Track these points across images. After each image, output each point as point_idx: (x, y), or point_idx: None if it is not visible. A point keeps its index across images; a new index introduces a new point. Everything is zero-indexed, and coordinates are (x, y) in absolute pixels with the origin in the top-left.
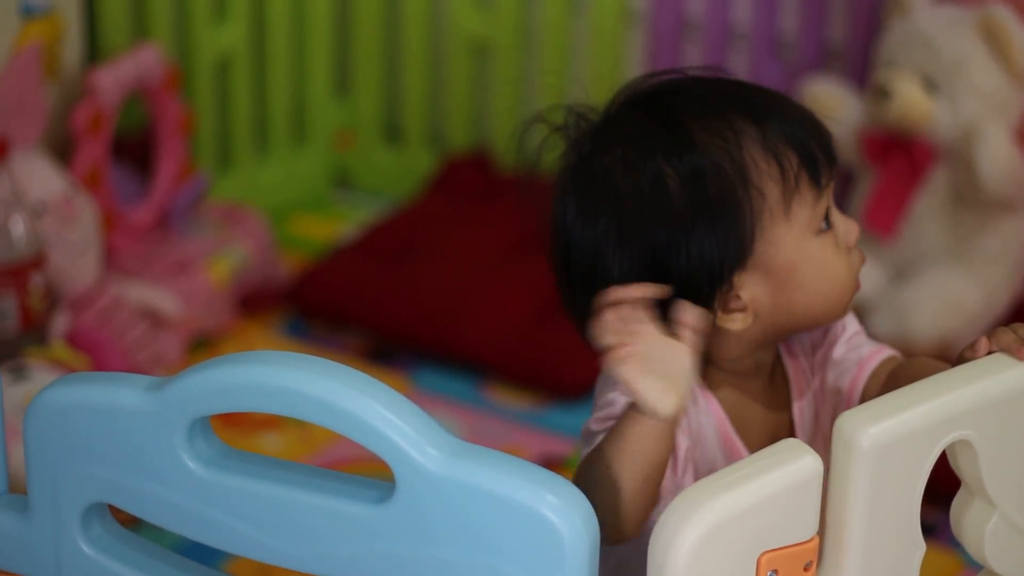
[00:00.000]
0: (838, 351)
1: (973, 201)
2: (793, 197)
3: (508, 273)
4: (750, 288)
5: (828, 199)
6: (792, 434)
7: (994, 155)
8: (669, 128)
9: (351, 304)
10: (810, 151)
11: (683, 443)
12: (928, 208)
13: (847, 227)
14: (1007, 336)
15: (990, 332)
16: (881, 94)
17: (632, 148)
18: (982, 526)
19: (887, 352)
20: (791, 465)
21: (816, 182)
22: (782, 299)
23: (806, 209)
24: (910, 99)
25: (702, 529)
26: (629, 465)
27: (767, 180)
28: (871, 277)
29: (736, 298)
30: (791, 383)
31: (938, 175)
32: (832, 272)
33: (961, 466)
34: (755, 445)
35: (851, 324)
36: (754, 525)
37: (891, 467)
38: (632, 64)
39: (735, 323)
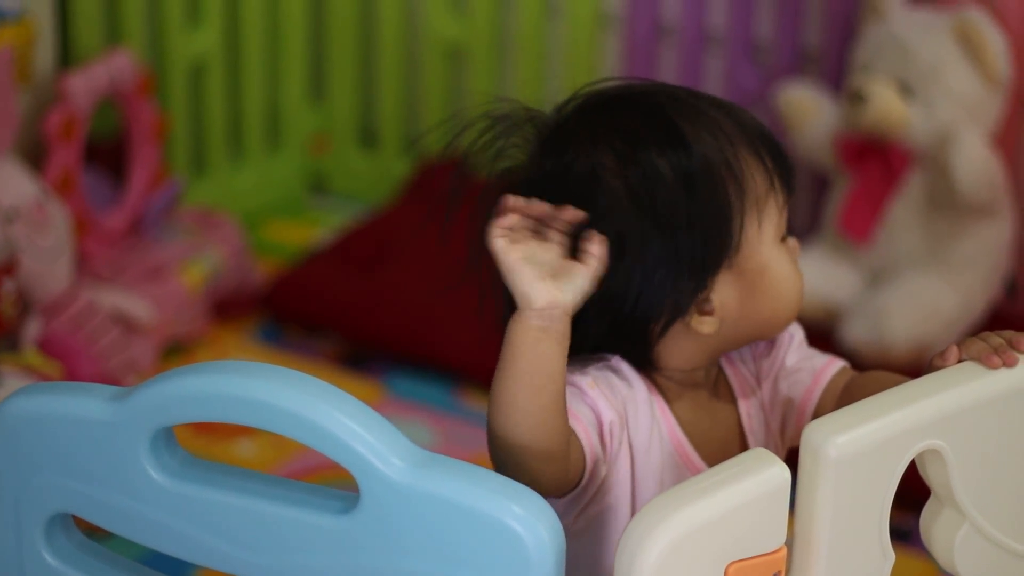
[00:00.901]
0: (791, 359)
1: (949, 206)
2: (769, 200)
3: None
4: (721, 291)
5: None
6: (742, 442)
7: (969, 160)
8: (659, 124)
9: (325, 310)
10: (785, 160)
11: (607, 414)
12: (904, 213)
13: (792, 241)
14: (977, 345)
15: (960, 341)
16: (857, 99)
17: (624, 143)
18: (952, 535)
19: (839, 363)
20: (759, 475)
21: (787, 186)
22: (750, 304)
23: (775, 214)
24: (885, 104)
25: (669, 539)
26: (514, 372)
27: (751, 180)
28: (847, 282)
29: (706, 300)
30: (735, 391)
31: (914, 180)
32: (792, 281)
33: (930, 475)
34: (707, 453)
35: (796, 331)
36: (722, 535)
37: (860, 477)
38: (608, 68)
39: (706, 326)
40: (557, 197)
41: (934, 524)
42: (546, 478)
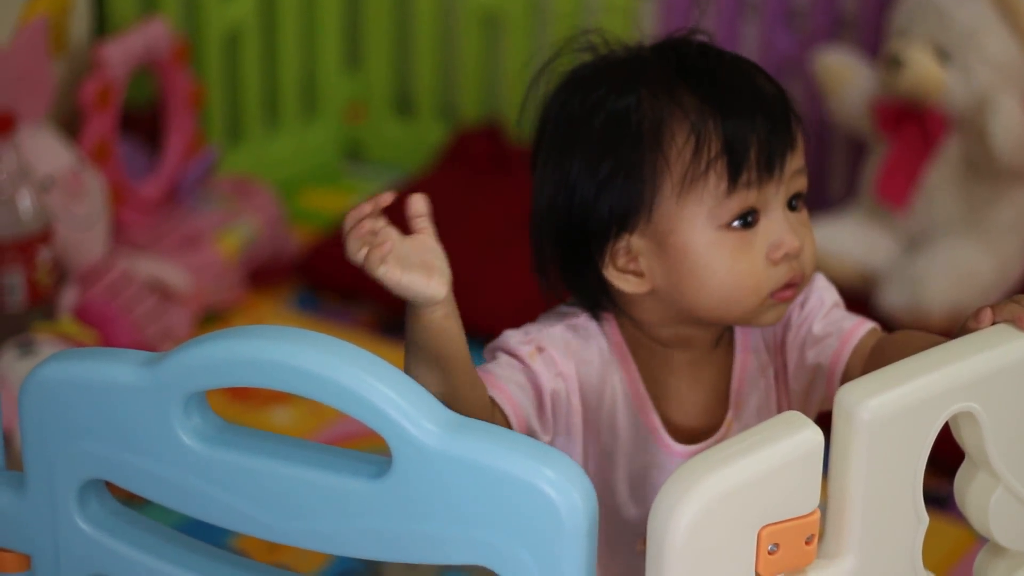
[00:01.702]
0: (817, 327)
1: (986, 171)
2: (698, 181)
3: (519, 245)
4: (648, 257)
5: (755, 199)
6: (723, 404)
7: (1007, 125)
8: (629, 76)
9: (361, 277)
10: (741, 148)
11: (548, 384)
12: (941, 178)
13: (778, 240)
14: (1011, 307)
15: (994, 304)
16: (893, 64)
17: (589, 83)
18: (986, 498)
19: (868, 325)
20: (792, 438)
21: (732, 178)
22: (675, 280)
23: (710, 199)
24: (923, 69)
25: (702, 503)
26: (425, 358)
27: (676, 154)
28: (884, 248)
29: (633, 260)
30: (734, 354)
31: (951, 145)
32: (727, 272)
33: (964, 438)
34: (679, 416)
35: (828, 296)
36: (755, 499)
37: (893, 440)
38: (644, 35)
39: (626, 284)
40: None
41: (968, 487)
42: None
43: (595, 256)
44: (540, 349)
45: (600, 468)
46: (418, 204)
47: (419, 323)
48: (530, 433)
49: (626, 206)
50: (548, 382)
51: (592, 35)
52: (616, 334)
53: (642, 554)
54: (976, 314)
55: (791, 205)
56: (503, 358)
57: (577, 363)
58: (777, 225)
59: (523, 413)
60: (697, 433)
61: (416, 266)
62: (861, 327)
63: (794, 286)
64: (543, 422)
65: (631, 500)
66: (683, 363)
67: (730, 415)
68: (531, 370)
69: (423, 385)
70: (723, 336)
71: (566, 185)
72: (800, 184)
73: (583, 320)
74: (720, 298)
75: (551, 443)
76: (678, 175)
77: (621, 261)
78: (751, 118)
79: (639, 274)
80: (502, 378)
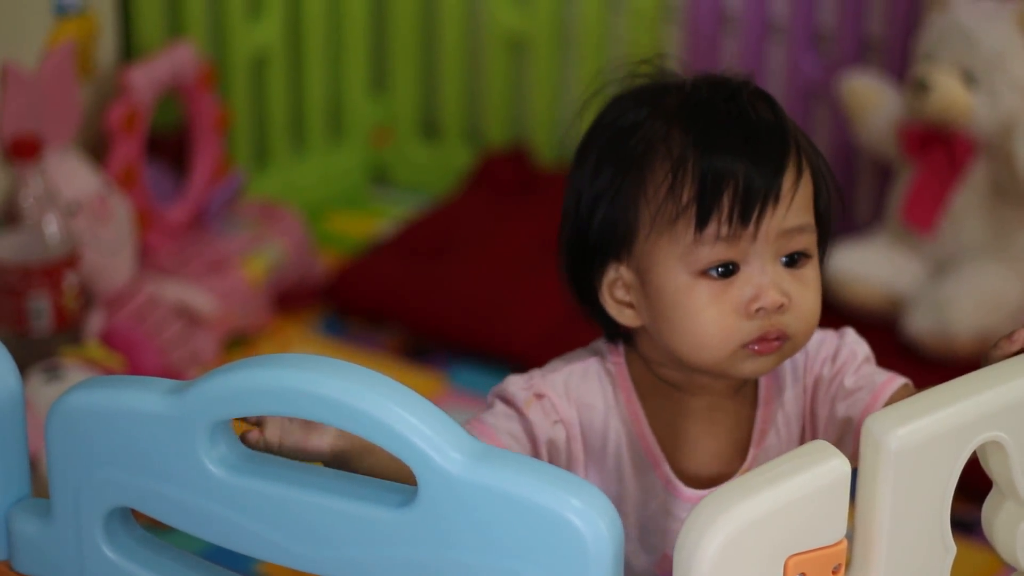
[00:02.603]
0: (849, 380)
1: (1013, 195)
2: (669, 224)
3: (546, 269)
4: (636, 290)
5: (727, 252)
6: (742, 454)
7: None
8: (646, 99)
9: (388, 301)
10: (713, 195)
11: (543, 434)
12: (967, 202)
13: (755, 293)
14: None
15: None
16: (920, 87)
17: (620, 99)
18: (1014, 527)
19: (900, 380)
20: (818, 468)
21: (699, 226)
22: (654, 319)
23: (680, 245)
24: (949, 92)
25: (728, 532)
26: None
27: (653, 191)
28: (910, 272)
29: (627, 292)
30: (756, 417)
31: (977, 169)
32: (696, 320)
33: (992, 468)
34: (693, 463)
35: (860, 350)
36: (781, 528)
37: (921, 469)
38: (670, 59)
39: (622, 316)
40: None
41: (996, 517)
42: None
43: (594, 283)
44: (539, 396)
45: None
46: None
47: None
48: None
49: (612, 226)
50: (544, 432)
51: (651, 63)
52: (624, 377)
53: None
54: (1010, 335)
55: (792, 259)
56: (499, 407)
57: (579, 407)
58: (757, 279)
59: None
60: (711, 480)
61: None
62: (893, 382)
63: (772, 340)
64: None
65: (641, 549)
66: (699, 409)
67: (746, 465)
68: (527, 420)
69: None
70: (745, 385)
71: (575, 190)
72: (799, 243)
73: (592, 363)
74: (690, 344)
75: None
76: (652, 214)
77: (619, 292)
78: (732, 165)
79: (632, 307)
80: (494, 427)
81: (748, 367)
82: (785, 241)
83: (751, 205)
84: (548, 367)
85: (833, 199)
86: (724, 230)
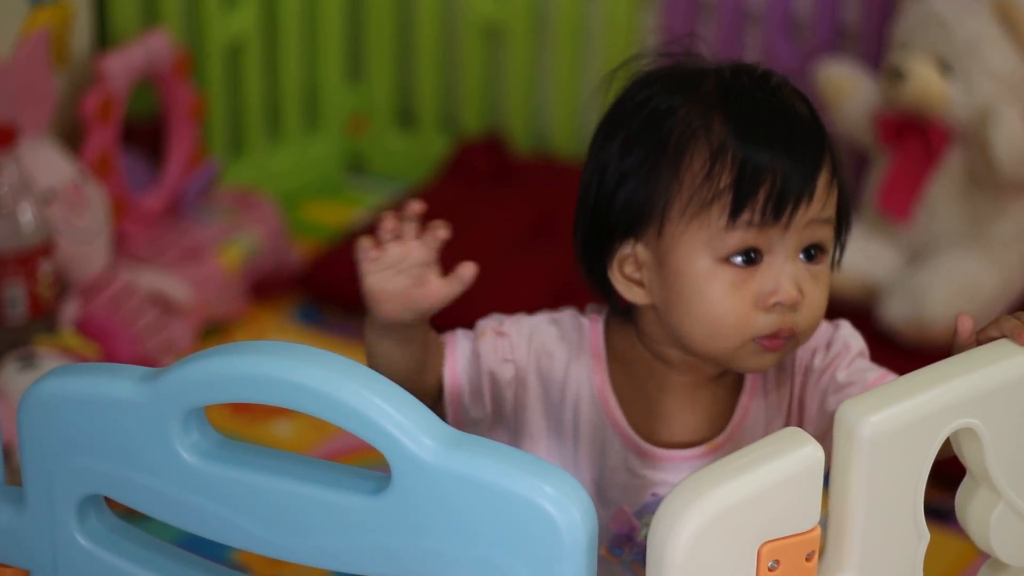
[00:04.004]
0: (841, 374)
1: (988, 183)
2: (703, 209)
3: (522, 257)
4: (650, 270)
5: (756, 240)
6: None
7: (1009, 137)
8: (682, 83)
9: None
10: (750, 187)
11: (487, 365)
12: (943, 191)
13: (774, 287)
14: (1010, 322)
15: (995, 320)
16: (896, 76)
17: (650, 79)
18: (987, 514)
19: (891, 378)
20: (792, 455)
21: (733, 214)
22: (668, 300)
23: (709, 230)
24: (925, 81)
25: (702, 519)
26: (368, 357)
27: (691, 177)
28: (886, 260)
29: (638, 270)
30: (738, 404)
31: (953, 157)
32: (712, 305)
33: (965, 454)
34: (665, 432)
35: (854, 343)
36: (755, 515)
37: (894, 456)
38: (646, 47)
39: (630, 292)
40: None
41: (969, 503)
42: None
43: (605, 258)
44: (500, 333)
45: (561, 465)
46: (468, 269)
47: (366, 327)
48: (460, 407)
49: (639, 206)
50: (488, 363)
51: (679, 44)
52: (596, 336)
53: (605, 560)
54: (956, 327)
55: (809, 254)
56: (463, 331)
57: (539, 356)
58: (778, 271)
59: (459, 382)
60: (676, 443)
61: (395, 279)
62: (884, 380)
63: (782, 339)
64: (477, 401)
65: (597, 501)
66: (681, 385)
67: (721, 439)
68: (475, 347)
69: (389, 360)
70: (729, 373)
71: (600, 166)
72: (821, 235)
73: (565, 316)
74: (702, 330)
75: (490, 429)
76: (687, 197)
77: (628, 269)
78: (772, 158)
79: (642, 285)
80: (456, 341)
81: (754, 362)
82: (811, 232)
83: (786, 200)
84: (530, 316)
85: (849, 198)
86: (757, 218)
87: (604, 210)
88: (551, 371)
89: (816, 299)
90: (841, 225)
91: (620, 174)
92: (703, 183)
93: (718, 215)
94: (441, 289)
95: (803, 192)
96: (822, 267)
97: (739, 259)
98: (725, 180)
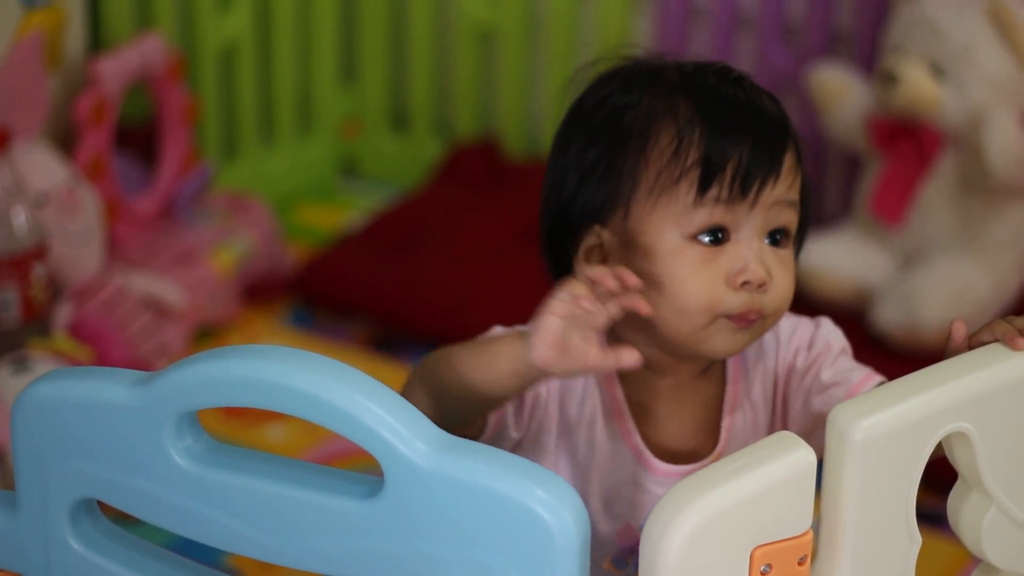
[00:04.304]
0: (826, 374)
1: (981, 187)
2: (671, 186)
3: (514, 260)
4: (617, 255)
5: (723, 217)
6: (714, 440)
7: (1002, 141)
8: (640, 79)
9: (357, 293)
10: (717, 162)
11: (542, 389)
12: (936, 194)
13: (743, 266)
14: (1003, 326)
15: (988, 322)
16: (889, 80)
17: (606, 80)
18: (979, 519)
19: (876, 379)
20: (785, 459)
21: (700, 189)
22: (647, 293)
23: (677, 206)
24: (918, 85)
25: (694, 523)
26: (471, 371)
27: (657, 155)
28: (879, 264)
29: (603, 257)
30: (725, 398)
31: (946, 161)
32: (681, 282)
33: (957, 459)
34: (663, 438)
35: (835, 341)
36: (747, 519)
37: (886, 460)
38: (639, 51)
39: None
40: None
41: (962, 507)
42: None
43: (572, 254)
44: None
45: (573, 481)
46: (628, 356)
47: (509, 349)
48: (502, 426)
49: (603, 199)
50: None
51: (630, 49)
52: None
53: (609, 572)
54: (950, 332)
55: (775, 239)
56: None
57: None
58: (745, 250)
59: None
60: (681, 455)
61: (564, 329)
62: (869, 381)
63: (750, 320)
64: (518, 419)
65: (604, 515)
66: (665, 388)
67: (719, 448)
68: None
69: (447, 381)
70: (711, 366)
71: (560, 169)
72: (785, 219)
73: None
74: (672, 309)
75: (519, 444)
76: (654, 176)
77: (594, 259)
78: (738, 137)
79: None
80: None
81: (721, 342)
82: (776, 213)
83: (752, 176)
84: None
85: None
86: (724, 194)
87: (567, 208)
88: (573, 390)
89: (783, 282)
90: (802, 218)
91: (582, 173)
92: (671, 160)
93: (686, 191)
94: (598, 359)
95: (770, 169)
96: (787, 252)
97: (706, 238)
98: (693, 156)
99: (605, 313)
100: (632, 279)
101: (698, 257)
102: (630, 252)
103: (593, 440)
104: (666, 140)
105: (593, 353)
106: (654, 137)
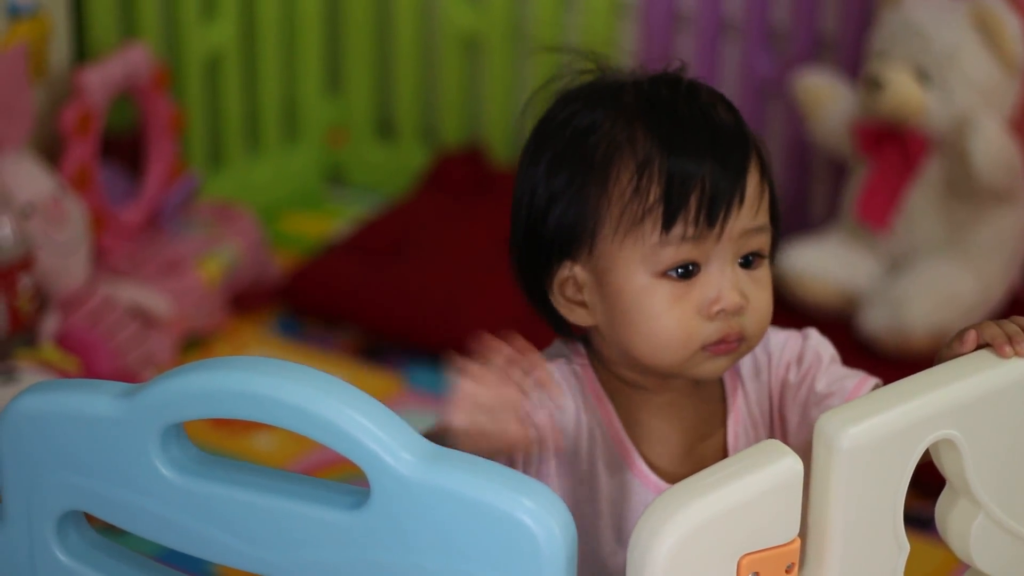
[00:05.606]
0: (821, 383)
1: (967, 192)
2: (636, 225)
3: (501, 269)
4: (591, 291)
5: (692, 253)
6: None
7: (987, 146)
8: (603, 96)
9: (344, 302)
10: (680, 196)
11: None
12: (922, 200)
13: (715, 295)
14: (992, 330)
15: (978, 324)
16: (874, 85)
17: (572, 96)
18: (967, 525)
19: (871, 382)
20: (772, 467)
21: (665, 226)
22: (611, 319)
23: (644, 245)
24: (903, 90)
25: (682, 532)
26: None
27: (619, 193)
28: (865, 269)
29: (579, 291)
30: (728, 411)
31: (932, 166)
32: (657, 322)
33: (945, 465)
34: (665, 458)
35: (824, 351)
36: (735, 527)
37: (873, 468)
38: (624, 57)
39: (573, 315)
40: None
41: (949, 514)
42: None
43: (544, 281)
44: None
45: (583, 516)
46: (551, 431)
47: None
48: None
49: (571, 227)
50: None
51: (591, 58)
52: (592, 378)
53: None
54: (961, 335)
55: (747, 261)
56: None
57: (550, 410)
58: (717, 280)
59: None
60: (687, 476)
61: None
62: (864, 385)
63: (731, 342)
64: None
65: (618, 546)
66: (661, 405)
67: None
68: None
69: None
70: (704, 382)
71: (529, 188)
72: (756, 244)
73: (560, 365)
74: (649, 346)
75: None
76: (617, 215)
77: (569, 291)
78: (699, 163)
79: (585, 306)
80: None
81: (706, 368)
82: (745, 241)
83: (717, 207)
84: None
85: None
86: (690, 231)
87: (538, 232)
88: (565, 425)
89: (761, 303)
90: (774, 224)
91: (549, 195)
92: (632, 198)
93: (651, 229)
94: (519, 435)
95: (733, 196)
96: (762, 271)
97: (675, 273)
98: (655, 193)
99: (514, 391)
100: (541, 374)
101: (669, 293)
102: (602, 288)
103: (596, 472)
104: (626, 177)
105: (513, 429)
106: (614, 173)
